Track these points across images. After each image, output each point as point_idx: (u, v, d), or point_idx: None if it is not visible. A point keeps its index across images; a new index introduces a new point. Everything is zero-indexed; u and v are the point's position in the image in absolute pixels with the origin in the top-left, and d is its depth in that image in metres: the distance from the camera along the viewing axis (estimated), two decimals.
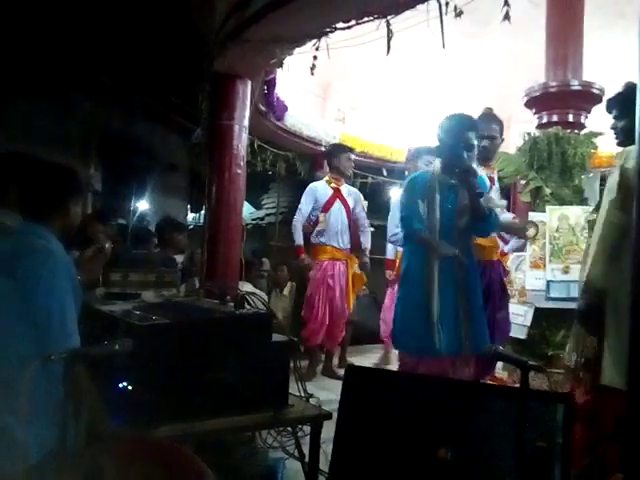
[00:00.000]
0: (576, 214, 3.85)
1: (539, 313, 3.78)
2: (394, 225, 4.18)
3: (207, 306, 2.29)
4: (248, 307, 2.21)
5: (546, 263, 3.83)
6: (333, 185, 4.66)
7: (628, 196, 2.20)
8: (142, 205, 8.46)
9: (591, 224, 2.79)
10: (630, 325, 2.06)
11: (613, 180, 2.32)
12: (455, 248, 2.65)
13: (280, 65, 3.51)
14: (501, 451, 1.61)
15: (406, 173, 4.00)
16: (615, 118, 2.55)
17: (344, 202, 4.68)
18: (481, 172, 3.27)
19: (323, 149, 6.60)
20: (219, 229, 3.79)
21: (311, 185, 4.72)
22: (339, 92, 6.91)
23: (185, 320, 2.04)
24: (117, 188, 7.80)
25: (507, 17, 2.42)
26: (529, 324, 3.76)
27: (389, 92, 7.04)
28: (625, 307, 2.16)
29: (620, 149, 2.53)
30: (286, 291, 6.04)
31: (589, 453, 2.34)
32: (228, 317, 2.09)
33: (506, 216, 3.38)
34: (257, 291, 4.76)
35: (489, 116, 3.40)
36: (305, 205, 4.61)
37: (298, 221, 4.59)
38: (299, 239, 4.56)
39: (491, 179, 3.38)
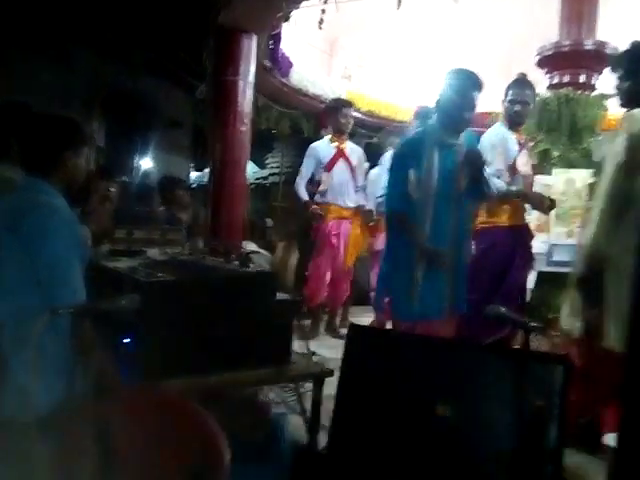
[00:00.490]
0: (583, 178, 3.80)
1: (540, 277, 3.79)
2: (380, 189, 4.17)
3: (212, 264, 2.30)
4: (252, 265, 2.22)
5: (551, 227, 3.82)
6: (336, 143, 4.56)
7: (636, 161, 2.17)
8: (145, 162, 8.39)
9: (592, 187, 2.76)
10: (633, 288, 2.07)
11: (619, 144, 2.27)
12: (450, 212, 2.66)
13: (287, 19, 3.42)
14: (500, 409, 1.64)
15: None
16: (620, 78, 2.42)
17: (347, 160, 4.59)
18: (511, 137, 3.32)
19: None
20: (223, 187, 3.76)
21: (312, 145, 4.60)
22: (346, 48, 6.77)
23: (190, 277, 2.06)
24: (120, 145, 7.72)
25: None
26: (531, 287, 3.78)
27: (397, 49, 6.88)
28: (628, 272, 2.18)
29: (624, 110, 2.46)
30: (279, 252, 6.02)
31: (583, 414, 2.39)
32: (233, 275, 2.10)
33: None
34: (262, 250, 4.79)
35: (523, 81, 3.41)
36: (306, 166, 4.51)
37: (299, 183, 4.50)
38: (304, 195, 4.48)
39: (520, 144, 3.39)
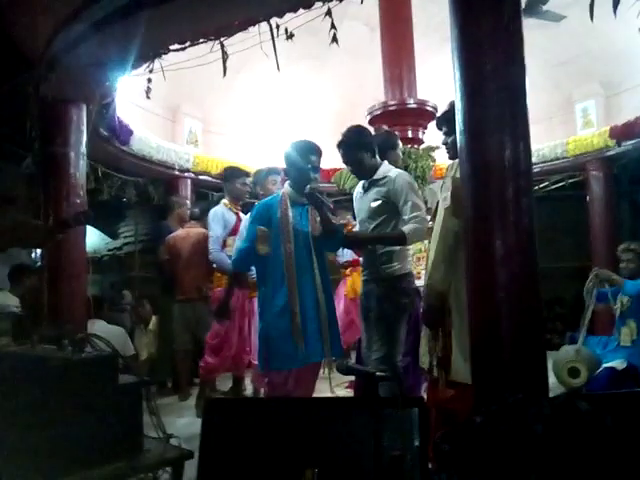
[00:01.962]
0: None
1: None
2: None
3: (41, 354, 2.06)
4: (90, 350, 2.03)
5: None
6: (234, 209, 4.42)
7: (460, 204, 2.39)
8: None
9: (430, 231, 3.01)
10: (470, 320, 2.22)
11: (446, 190, 2.51)
12: (312, 263, 2.86)
13: (114, 89, 3.32)
14: (362, 463, 1.63)
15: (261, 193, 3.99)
16: (445, 134, 2.75)
17: None
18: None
19: (177, 172, 6.40)
20: (60, 265, 3.45)
21: (216, 210, 4.42)
22: (189, 114, 6.77)
23: (8, 375, 1.82)
24: None
25: (335, 40, 2.51)
26: None
27: (242, 112, 7.05)
28: (464, 307, 2.34)
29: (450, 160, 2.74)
30: (151, 326, 5.67)
31: None
32: (63, 364, 1.89)
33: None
34: (113, 327, 4.47)
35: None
36: (218, 231, 4.31)
37: (217, 250, 4.27)
38: (229, 265, 3.96)
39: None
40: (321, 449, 1.68)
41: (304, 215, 2.93)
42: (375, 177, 3.06)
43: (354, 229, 4.66)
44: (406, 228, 2.89)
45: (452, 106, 2.69)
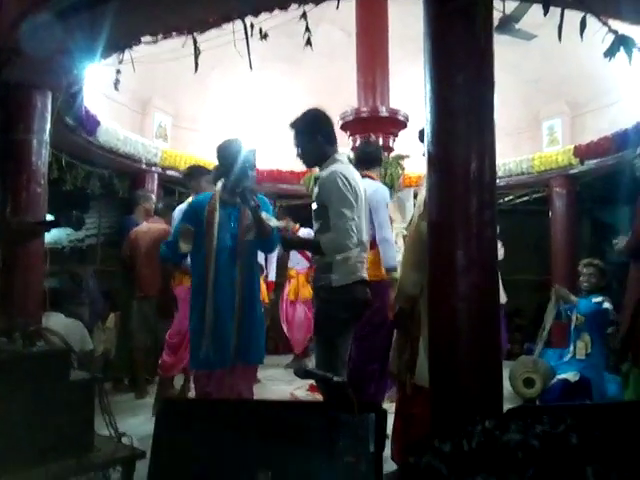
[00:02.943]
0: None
1: None
2: None
3: None
4: (41, 344, 1.97)
5: None
6: None
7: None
8: None
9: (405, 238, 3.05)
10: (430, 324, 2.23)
11: (421, 197, 2.55)
12: (235, 266, 2.77)
13: (82, 78, 3.23)
14: (317, 468, 1.62)
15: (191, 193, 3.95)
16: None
17: None
18: None
19: (144, 166, 6.29)
20: (16, 255, 3.34)
21: (182, 209, 4.19)
22: (160, 108, 6.67)
23: None
24: None
25: (309, 43, 2.50)
26: None
27: (214, 110, 6.99)
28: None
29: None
30: (110, 323, 5.52)
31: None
32: (11, 358, 1.84)
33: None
34: (70, 321, 4.33)
35: None
36: None
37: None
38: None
39: None
40: (275, 453, 1.67)
41: (233, 215, 2.82)
42: (318, 174, 2.83)
43: (300, 232, 4.67)
44: (323, 237, 2.66)
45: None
